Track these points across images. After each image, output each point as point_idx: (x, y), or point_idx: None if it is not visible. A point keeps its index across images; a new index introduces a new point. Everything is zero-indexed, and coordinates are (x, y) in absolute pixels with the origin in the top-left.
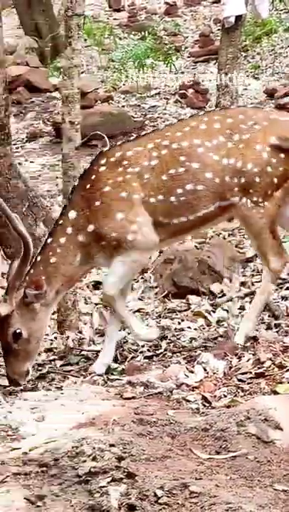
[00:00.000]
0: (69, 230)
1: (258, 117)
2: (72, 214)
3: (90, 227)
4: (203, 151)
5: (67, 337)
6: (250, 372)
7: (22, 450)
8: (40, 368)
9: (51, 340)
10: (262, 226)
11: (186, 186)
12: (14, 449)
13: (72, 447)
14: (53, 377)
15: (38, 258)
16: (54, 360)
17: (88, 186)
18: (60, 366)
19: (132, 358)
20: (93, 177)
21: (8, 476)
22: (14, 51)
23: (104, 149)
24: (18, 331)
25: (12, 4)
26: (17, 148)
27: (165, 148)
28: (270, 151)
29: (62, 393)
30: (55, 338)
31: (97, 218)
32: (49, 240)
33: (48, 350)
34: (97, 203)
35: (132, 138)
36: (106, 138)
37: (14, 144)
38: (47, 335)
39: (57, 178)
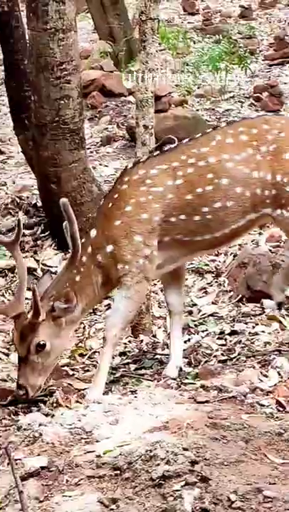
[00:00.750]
0: (89, 249)
1: (282, 125)
2: (93, 233)
3: (109, 248)
4: (232, 165)
5: (141, 341)
6: None
7: (96, 453)
8: (114, 372)
9: (125, 343)
10: None
11: (214, 204)
12: (88, 452)
13: (146, 451)
14: (126, 380)
15: (64, 277)
16: (128, 363)
17: (110, 205)
18: (134, 370)
19: (206, 362)
20: (116, 196)
21: (82, 478)
22: (89, 56)
23: (128, 167)
24: (42, 342)
25: (87, 9)
26: (91, 152)
27: (191, 166)
28: None
29: (136, 397)
30: (129, 341)
31: (116, 238)
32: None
33: (122, 353)
34: (117, 223)
35: (156, 153)
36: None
37: (88, 148)
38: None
39: None
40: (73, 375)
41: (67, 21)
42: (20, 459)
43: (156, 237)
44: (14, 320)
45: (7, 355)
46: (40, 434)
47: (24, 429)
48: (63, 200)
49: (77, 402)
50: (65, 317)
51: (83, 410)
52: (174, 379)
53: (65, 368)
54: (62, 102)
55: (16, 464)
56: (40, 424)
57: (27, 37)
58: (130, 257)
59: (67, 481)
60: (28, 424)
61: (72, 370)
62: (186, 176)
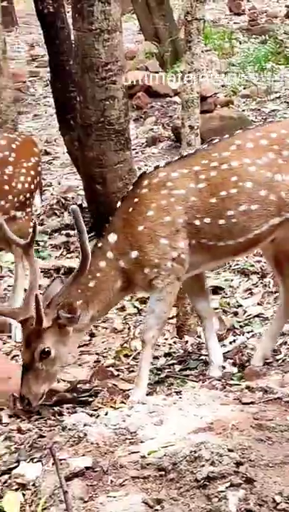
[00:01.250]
0: (109, 254)
1: None
2: (112, 237)
3: (134, 254)
4: (255, 169)
5: (186, 341)
6: None
7: (140, 454)
8: (158, 372)
9: (170, 344)
10: None
11: (239, 207)
12: (133, 452)
13: (191, 452)
14: (171, 381)
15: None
16: (173, 364)
17: (131, 210)
18: (179, 371)
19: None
20: (136, 200)
21: (126, 479)
22: (134, 56)
23: (147, 171)
24: (47, 349)
25: (132, 10)
26: (136, 153)
27: (214, 169)
28: None
29: (180, 397)
30: (174, 342)
31: (141, 244)
32: None
33: (167, 354)
34: (141, 228)
35: (175, 159)
36: None
37: (134, 149)
38: (165, 340)
39: None
40: (118, 375)
41: (112, 22)
42: (65, 459)
43: (183, 239)
44: (21, 324)
45: None
46: (85, 435)
47: (69, 430)
48: (73, 207)
49: (122, 402)
50: (71, 326)
51: (128, 411)
52: (219, 380)
53: (110, 368)
54: (108, 102)
55: (61, 464)
56: (84, 425)
57: (72, 38)
58: (158, 261)
59: (111, 481)
60: (73, 424)
61: (118, 370)
62: (210, 180)
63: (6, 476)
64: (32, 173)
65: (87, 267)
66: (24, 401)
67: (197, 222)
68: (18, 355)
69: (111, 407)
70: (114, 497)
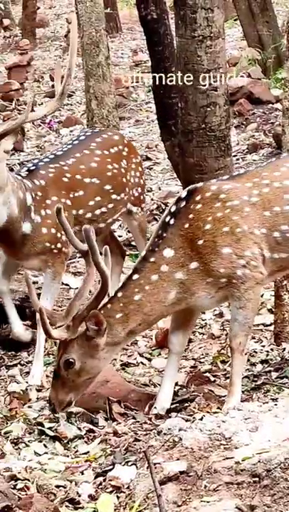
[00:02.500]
0: (164, 267)
1: None
2: (168, 252)
3: (194, 265)
4: None
5: (284, 349)
6: None
7: (235, 460)
8: (255, 379)
9: (267, 351)
10: None
11: None
12: (227, 458)
13: (285, 459)
14: (268, 388)
15: (119, 294)
16: (270, 371)
17: (187, 226)
18: (276, 378)
19: None
20: (190, 216)
21: (220, 484)
22: (237, 63)
23: (198, 185)
24: (70, 360)
25: (236, 16)
26: (237, 159)
27: (266, 186)
28: None
29: (276, 405)
30: (271, 349)
31: (202, 256)
32: (135, 277)
33: (264, 361)
34: (200, 242)
35: (225, 177)
36: None
37: (235, 156)
38: (262, 346)
39: None
40: (214, 381)
41: (215, 29)
42: (159, 463)
43: (249, 247)
44: None
45: (149, 360)
46: (180, 439)
47: (164, 434)
48: (86, 227)
49: (218, 408)
50: (99, 338)
51: (223, 416)
52: None
53: (207, 374)
54: (209, 109)
55: (155, 467)
56: (180, 429)
57: (175, 44)
58: (225, 270)
59: (205, 486)
60: (168, 428)
61: (214, 376)
62: (262, 195)
63: (101, 479)
64: (140, 169)
65: (108, 286)
66: (50, 405)
67: (256, 232)
68: (115, 359)
69: (207, 412)
70: (208, 502)
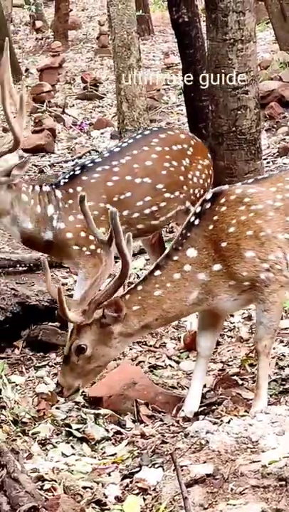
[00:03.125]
0: (187, 267)
1: None
2: (192, 252)
3: (217, 267)
4: None
5: None
6: None
7: (261, 463)
8: (283, 383)
9: None
10: None
11: None
12: (254, 461)
13: None
14: None
15: (139, 287)
16: None
17: (211, 227)
18: None
19: None
20: (215, 217)
21: (246, 488)
22: (268, 66)
23: (224, 188)
24: (82, 345)
25: (268, 19)
26: (268, 163)
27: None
28: None
29: None
30: None
31: (226, 259)
32: (157, 273)
33: None
34: (224, 244)
35: (250, 181)
36: None
37: (265, 159)
38: None
39: None
40: (242, 384)
41: (246, 32)
42: (186, 466)
43: (272, 251)
44: None
45: (178, 362)
46: (207, 442)
47: (191, 436)
48: (112, 209)
49: (245, 411)
50: (115, 325)
51: (250, 420)
52: None
53: (235, 377)
54: (240, 112)
55: (182, 470)
56: (207, 432)
57: (206, 47)
58: (248, 274)
59: (231, 489)
60: (196, 431)
61: (242, 379)
62: (285, 200)
63: (128, 480)
64: (206, 171)
65: (129, 271)
66: (58, 388)
67: (280, 236)
68: (143, 361)
69: (234, 415)
70: (234, 505)
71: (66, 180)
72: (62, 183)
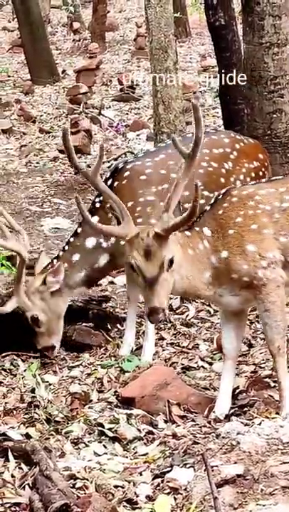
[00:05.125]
0: (206, 242)
1: None
2: (207, 232)
3: (224, 253)
4: None
5: None
6: None
7: None
8: None
9: None
10: None
11: None
12: (284, 462)
13: None
14: None
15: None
16: None
17: (221, 212)
18: None
19: None
20: (226, 205)
21: (276, 488)
22: None
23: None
24: (172, 258)
25: None
26: None
27: None
28: None
29: None
30: None
31: (230, 246)
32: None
33: None
34: (230, 231)
35: (263, 180)
36: None
37: None
38: None
39: None
40: (274, 386)
41: (282, 36)
42: (217, 466)
43: (271, 250)
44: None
45: (210, 364)
46: (238, 443)
47: (222, 437)
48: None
49: (276, 413)
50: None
51: (281, 421)
52: None
53: (267, 379)
54: (275, 115)
55: (213, 470)
56: (238, 433)
57: (242, 50)
58: (247, 267)
59: (261, 490)
60: (227, 432)
61: (274, 382)
62: None
63: (159, 480)
64: (252, 175)
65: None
66: (157, 313)
67: (282, 239)
68: (176, 362)
69: (266, 417)
70: (264, 505)
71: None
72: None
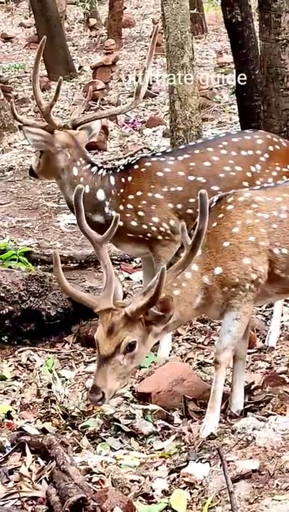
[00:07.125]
0: (195, 267)
1: None
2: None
3: (218, 270)
4: None
5: None
6: None
7: None
8: None
9: None
10: None
11: None
12: None
13: None
14: None
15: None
16: None
17: (215, 224)
18: None
19: None
20: (220, 215)
21: None
22: None
23: (230, 192)
24: (133, 342)
25: None
26: None
27: None
28: None
29: None
30: None
31: (225, 260)
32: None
33: None
34: (226, 244)
35: (264, 185)
36: None
37: None
38: None
39: None
40: None
41: None
42: (232, 461)
43: (263, 263)
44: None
45: None
46: (254, 438)
47: (238, 433)
48: (202, 191)
49: None
50: (157, 326)
51: None
52: None
53: (283, 375)
54: None
55: (228, 465)
56: (253, 429)
57: (259, 47)
58: (238, 281)
59: (277, 485)
60: (242, 427)
61: None
62: None
63: (175, 475)
64: (284, 178)
65: (193, 256)
66: (96, 394)
67: (276, 251)
68: (192, 358)
69: (281, 413)
70: (279, 500)
71: (122, 168)
72: (118, 171)
